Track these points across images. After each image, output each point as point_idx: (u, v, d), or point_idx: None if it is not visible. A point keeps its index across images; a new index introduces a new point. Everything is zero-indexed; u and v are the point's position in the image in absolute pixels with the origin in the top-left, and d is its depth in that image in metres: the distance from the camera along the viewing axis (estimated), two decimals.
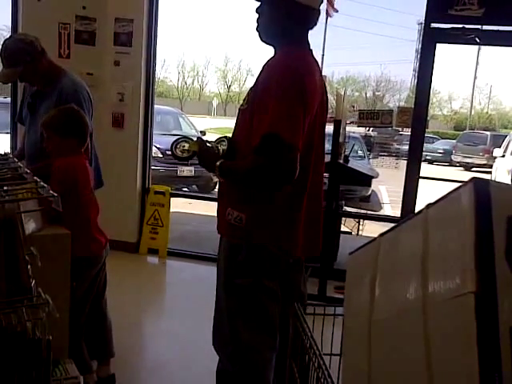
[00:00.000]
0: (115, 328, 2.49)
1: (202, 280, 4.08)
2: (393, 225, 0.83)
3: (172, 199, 4.90)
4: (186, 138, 1.88)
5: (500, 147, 13.29)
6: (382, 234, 0.84)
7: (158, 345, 3.12)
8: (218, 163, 1.66)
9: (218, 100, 41.50)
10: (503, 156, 11.83)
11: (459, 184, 0.66)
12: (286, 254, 1.73)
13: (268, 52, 1.75)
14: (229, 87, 43.78)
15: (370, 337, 0.80)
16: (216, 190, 1.85)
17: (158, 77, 36.62)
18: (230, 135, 1.81)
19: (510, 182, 4.75)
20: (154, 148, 5.46)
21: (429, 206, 0.71)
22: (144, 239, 4.78)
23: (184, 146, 1.84)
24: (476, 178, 0.63)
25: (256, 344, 1.73)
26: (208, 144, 1.80)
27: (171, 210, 4.89)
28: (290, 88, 1.55)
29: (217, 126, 21.72)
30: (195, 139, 1.86)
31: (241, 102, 1.79)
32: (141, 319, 3.55)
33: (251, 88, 1.68)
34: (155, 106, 4.96)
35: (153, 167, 5.42)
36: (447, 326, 0.61)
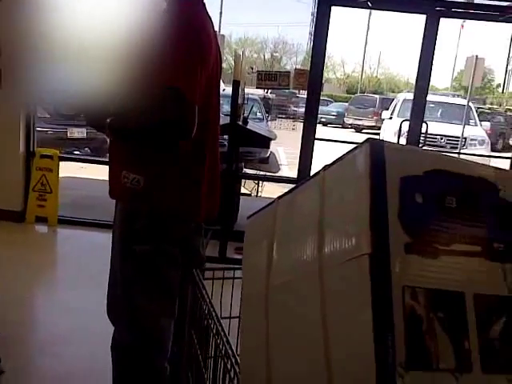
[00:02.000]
0: (2, 305, 2.34)
1: (96, 248, 3.94)
2: (291, 185, 0.82)
3: (62, 163, 4.63)
4: None
5: (388, 110, 14.03)
6: (279, 197, 0.82)
7: (51, 319, 2.98)
8: (108, 120, 1.55)
9: None
10: (390, 118, 12.51)
11: (355, 145, 0.65)
12: (189, 218, 1.69)
13: None
14: None
15: (267, 301, 0.79)
16: None
17: None
18: None
19: (398, 143, 5.02)
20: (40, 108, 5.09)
21: (325, 167, 0.70)
22: (30, 207, 4.50)
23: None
24: (371, 139, 0.63)
25: (154, 311, 1.69)
26: None
27: (61, 174, 4.63)
28: (187, 40, 1.50)
29: None
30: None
31: None
32: (30, 293, 3.36)
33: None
34: None
35: (39, 129, 5.07)
36: (343, 288, 0.61)
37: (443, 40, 4.77)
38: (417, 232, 0.60)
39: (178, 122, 1.48)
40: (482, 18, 4.46)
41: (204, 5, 1.65)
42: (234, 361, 0.96)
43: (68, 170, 5.36)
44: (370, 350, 0.55)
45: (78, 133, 7.56)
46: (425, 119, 4.79)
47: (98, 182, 6.09)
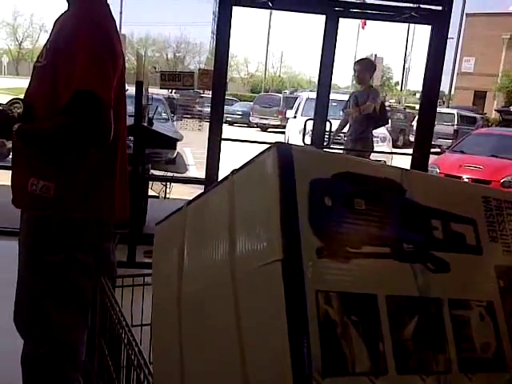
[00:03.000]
0: None
1: None
2: (199, 186, 0.79)
3: None
4: None
5: (292, 108, 14.33)
6: (188, 203, 0.80)
7: None
8: (15, 127, 1.48)
9: (9, 57, 37.37)
10: (295, 117, 12.79)
11: (263, 148, 0.64)
12: (102, 224, 1.64)
13: (63, 5, 1.60)
14: (20, 44, 39.69)
15: (179, 310, 0.76)
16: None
17: None
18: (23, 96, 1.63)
19: (301, 142, 5.14)
20: None
21: (234, 171, 0.68)
22: None
23: None
24: (279, 142, 0.62)
25: (67, 323, 1.62)
26: None
27: None
28: (99, 43, 1.47)
29: (9, 86, 19.62)
30: None
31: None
32: None
33: (47, 42, 1.53)
34: None
35: None
36: (256, 294, 0.60)
37: (344, 39, 4.98)
38: (328, 236, 0.59)
39: (95, 126, 1.45)
40: (379, 18, 4.65)
41: (108, 6, 1.62)
42: (146, 371, 0.92)
43: None
44: (285, 357, 0.53)
45: None
46: (329, 118, 4.95)
47: None
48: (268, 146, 0.62)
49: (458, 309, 0.64)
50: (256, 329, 0.60)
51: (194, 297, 0.74)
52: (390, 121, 15.72)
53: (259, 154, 0.63)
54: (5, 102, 1.62)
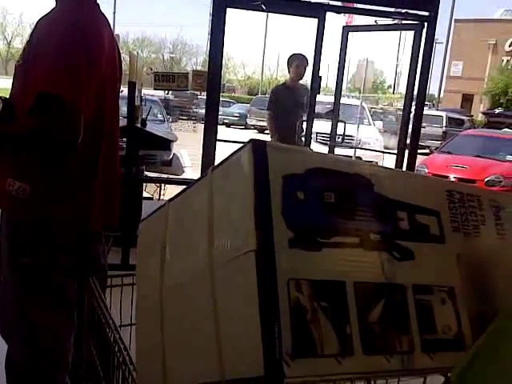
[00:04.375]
0: None
1: None
2: None
3: None
4: None
5: None
6: (170, 200, 0.83)
7: None
8: None
9: None
10: None
11: (240, 146, 0.67)
12: (81, 227, 1.62)
13: (52, 5, 1.59)
14: (9, 43, 39.49)
15: (161, 304, 0.80)
16: None
17: None
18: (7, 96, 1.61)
19: (295, 142, 5.18)
20: None
21: (213, 168, 0.72)
22: None
23: None
24: (254, 139, 0.65)
25: (51, 325, 1.60)
26: None
27: None
28: (72, 42, 1.42)
29: None
30: None
31: None
32: None
33: (27, 42, 1.50)
34: None
35: None
36: (232, 284, 0.63)
37: (337, 43, 5.02)
38: (299, 227, 0.63)
39: (60, 131, 1.39)
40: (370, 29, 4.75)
41: (97, 5, 1.58)
42: (131, 368, 0.95)
43: None
44: (258, 341, 0.57)
45: None
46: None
47: None
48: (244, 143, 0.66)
49: (422, 294, 0.68)
50: (231, 317, 0.63)
51: (175, 290, 0.77)
52: (381, 123, 15.79)
53: (236, 151, 0.67)
54: None
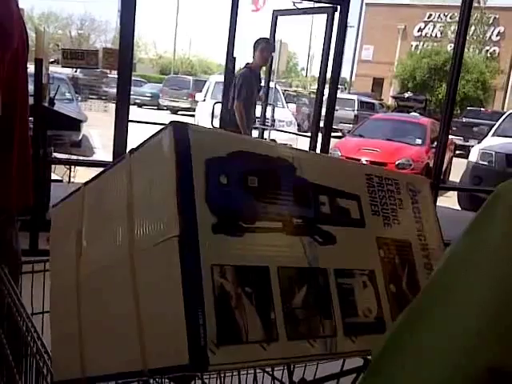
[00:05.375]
0: None
1: None
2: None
3: None
4: None
5: (201, 92, 14.23)
6: (86, 183, 0.79)
7: None
8: None
9: None
10: (204, 100, 12.73)
11: (160, 128, 0.65)
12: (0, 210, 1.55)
13: None
14: None
15: (78, 291, 0.76)
16: None
17: None
18: None
19: (210, 125, 5.14)
20: None
21: (132, 151, 0.69)
22: None
23: None
24: (175, 121, 0.63)
25: None
26: None
27: None
28: None
29: None
30: None
31: None
32: None
33: None
34: None
35: None
36: (154, 271, 0.62)
37: (251, 24, 4.99)
38: (223, 212, 0.62)
39: None
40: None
41: None
42: (46, 357, 0.91)
43: None
44: (182, 329, 0.55)
45: None
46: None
47: None
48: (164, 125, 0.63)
49: (343, 278, 0.69)
50: (154, 303, 0.62)
51: (93, 278, 0.74)
52: (295, 105, 16.06)
53: (155, 134, 0.64)
54: None
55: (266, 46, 4.92)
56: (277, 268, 0.64)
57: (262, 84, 5.10)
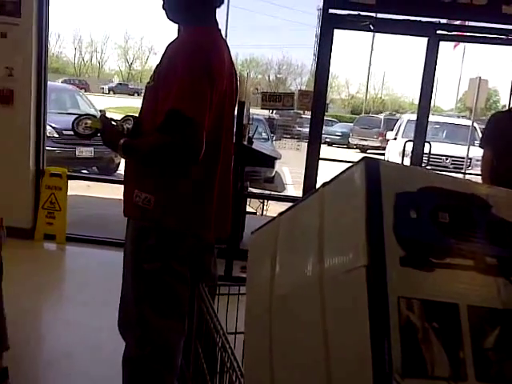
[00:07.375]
0: (10, 320, 2.36)
1: (104, 265, 3.96)
2: None
3: (69, 182, 4.69)
4: (88, 115, 1.84)
5: (392, 130, 14.05)
6: (281, 213, 0.86)
7: (57, 335, 3.00)
8: (121, 141, 1.62)
9: (119, 78, 40.13)
10: (395, 139, 12.54)
11: (349, 165, 0.69)
12: (197, 238, 1.72)
13: (172, 29, 1.75)
14: (130, 65, 42.55)
15: (270, 313, 0.82)
16: (118, 172, 1.81)
17: (52, 52, 34.72)
18: (136, 114, 1.79)
19: (400, 163, 5.05)
20: (48, 127, 5.16)
21: (324, 184, 0.74)
22: (40, 224, 4.54)
23: (87, 123, 1.79)
24: (367, 157, 0.66)
25: (164, 329, 1.71)
26: (113, 122, 1.76)
27: (68, 193, 4.68)
28: (195, 64, 1.55)
29: (117, 105, 21.03)
30: (99, 116, 1.81)
31: (144, 80, 1.78)
32: (39, 310, 3.38)
33: (157, 66, 1.67)
34: (50, 83, 4.70)
35: (48, 148, 5.14)
36: (342, 299, 0.64)
37: (447, 61, 4.84)
38: (412, 246, 0.63)
39: (185, 145, 1.53)
40: (482, 41, 4.49)
41: (218, 30, 1.73)
42: (239, 373, 0.98)
43: (73, 188, 5.41)
44: (367, 357, 0.57)
45: (86, 152, 7.64)
46: (430, 140, 4.82)
47: (105, 201, 6.15)
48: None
49: None
50: (340, 330, 0.64)
51: (284, 300, 0.79)
52: None
53: (348, 168, 0.68)
54: (119, 119, 1.80)
55: None
56: (467, 306, 0.62)
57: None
